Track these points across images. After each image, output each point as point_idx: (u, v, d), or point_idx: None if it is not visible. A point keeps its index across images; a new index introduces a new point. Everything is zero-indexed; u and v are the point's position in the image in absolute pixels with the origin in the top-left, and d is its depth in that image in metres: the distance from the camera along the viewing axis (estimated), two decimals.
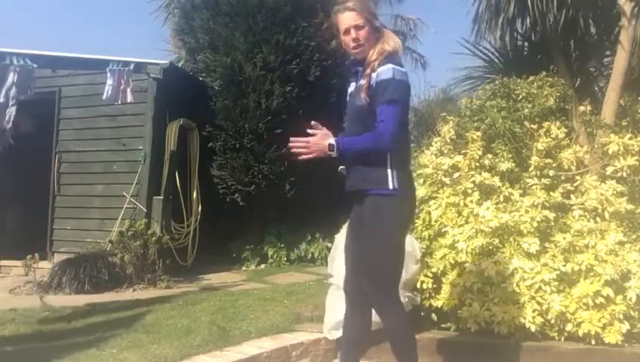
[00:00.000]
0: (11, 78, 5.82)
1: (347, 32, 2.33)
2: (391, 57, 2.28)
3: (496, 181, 3.80)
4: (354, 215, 2.44)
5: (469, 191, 3.82)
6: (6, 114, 5.86)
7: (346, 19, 2.33)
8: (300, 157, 2.26)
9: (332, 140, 2.21)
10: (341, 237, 3.78)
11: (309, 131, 2.30)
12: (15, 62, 5.92)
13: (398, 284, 2.35)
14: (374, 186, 2.27)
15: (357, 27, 2.31)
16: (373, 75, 2.25)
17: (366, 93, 2.27)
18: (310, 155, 2.23)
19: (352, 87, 2.46)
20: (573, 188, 3.83)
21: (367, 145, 2.23)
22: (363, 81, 2.30)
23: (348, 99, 2.49)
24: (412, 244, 3.43)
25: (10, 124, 5.85)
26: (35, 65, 6.05)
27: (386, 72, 2.22)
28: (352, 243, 2.48)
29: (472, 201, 3.75)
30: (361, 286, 2.41)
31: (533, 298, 3.26)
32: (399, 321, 2.35)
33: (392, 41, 2.33)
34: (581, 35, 5.33)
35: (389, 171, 2.25)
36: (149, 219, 6.31)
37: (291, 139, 2.28)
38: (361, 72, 2.36)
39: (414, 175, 4.26)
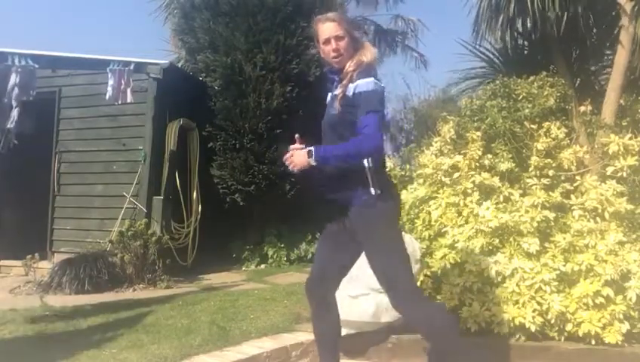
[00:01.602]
0: (14, 79, 5.83)
1: (327, 41, 2.37)
2: (368, 69, 2.32)
3: (496, 181, 3.80)
4: (337, 225, 2.45)
5: (469, 191, 3.82)
6: (10, 116, 5.87)
7: (327, 29, 2.38)
8: (291, 170, 2.29)
9: (310, 148, 2.24)
10: None
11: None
12: (17, 62, 5.92)
13: (412, 280, 2.38)
14: (356, 195, 2.30)
15: (337, 38, 2.35)
16: (351, 85, 2.29)
17: (340, 103, 2.30)
18: (295, 167, 2.26)
19: (328, 98, 2.50)
20: (573, 188, 3.83)
21: (350, 149, 2.23)
22: (338, 91, 2.34)
23: (326, 108, 2.51)
24: (412, 244, 3.43)
25: (14, 125, 5.87)
26: (37, 66, 6.06)
27: (367, 84, 2.25)
28: (331, 251, 2.50)
29: (472, 201, 3.75)
30: (325, 287, 2.50)
31: (533, 298, 3.26)
32: (429, 315, 2.33)
33: (369, 54, 2.38)
34: (581, 35, 5.32)
35: (368, 178, 2.28)
36: (149, 219, 6.31)
37: (285, 157, 2.31)
38: (337, 81, 2.40)
39: (414, 175, 4.27)
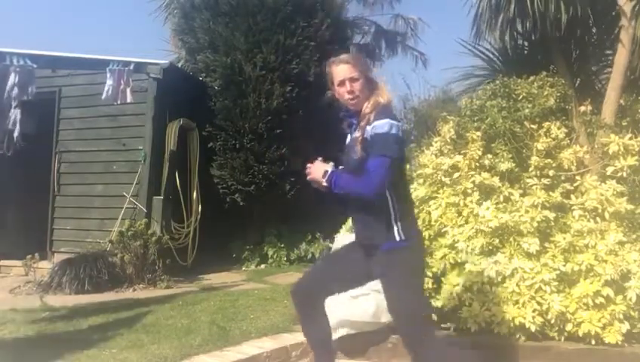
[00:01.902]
0: (12, 78, 5.82)
1: (342, 83, 2.36)
2: (385, 110, 2.30)
3: (496, 181, 3.80)
4: (359, 254, 2.43)
5: (469, 191, 3.82)
6: (10, 116, 5.87)
7: (342, 71, 2.36)
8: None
9: (329, 168, 2.29)
10: (341, 237, 3.79)
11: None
12: (15, 62, 5.92)
13: (426, 324, 2.40)
14: (382, 240, 2.29)
15: (352, 79, 2.34)
16: (368, 127, 2.27)
17: (360, 147, 2.29)
18: (310, 177, 2.35)
19: (347, 139, 2.50)
20: (573, 188, 3.83)
21: (354, 188, 2.27)
22: (358, 134, 2.32)
23: (345, 150, 2.50)
24: None
25: (18, 126, 5.87)
26: (35, 66, 6.06)
27: (382, 125, 2.23)
28: (340, 270, 2.52)
29: (472, 201, 3.75)
30: (315, 295, 2.50)
31: (533, 298, 3.26)
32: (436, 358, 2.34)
33: (385, 95, 2.36)
34: (581, 35, 5.33)
35: (393, 223, 2.27)
36: (149, 219, 6.31)
37: (308, 165, 2.38)
38: (355, 124, 2.39)
39: (414, 175, 4.27)
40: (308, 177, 2.35)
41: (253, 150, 6.98)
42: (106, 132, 6.86)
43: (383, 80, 2.45)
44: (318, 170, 2.31)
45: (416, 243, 2.37)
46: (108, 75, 6.21)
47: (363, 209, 2.34)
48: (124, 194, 6.50)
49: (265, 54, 6.99)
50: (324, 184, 2.27)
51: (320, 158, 2.38)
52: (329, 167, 2.31)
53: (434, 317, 3.53)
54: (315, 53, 7.18)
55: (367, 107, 2.33)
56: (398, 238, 2.26)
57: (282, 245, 7.20)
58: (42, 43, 27.50)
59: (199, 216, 6.86)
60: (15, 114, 5.89)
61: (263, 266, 7.07)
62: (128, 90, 6.19)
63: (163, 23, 10.59)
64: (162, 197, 6.50)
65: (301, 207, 7.00)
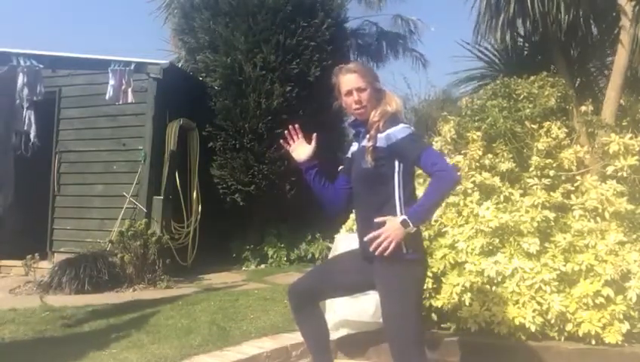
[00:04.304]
0: (21, 79, 5.84)
1: (349, 93, 2.33)
2: (393, 118, 2.27)
3: (496, 181, 3.80)
4: (362, 262, 2.35)
5: (469, 191, 3.82)
6: (24, 117, 5.89)
7: (348, 81, 2.33)
8: (388, 251, 2.12)
9: (402, 218, 2.13)
10: (341, 237, 3.78)
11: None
12: (22, 63, 5.93)
13: (422, 342, 2.30)
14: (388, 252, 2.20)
15: (359, 89, 2.31)
16: (381, 136, 2.23)
17: (372, 156, 2.23)
18: (393, 244, 2.11)
19: (354, 147, 2.45)
20: (573, 188, 3.83)
21: (440, 191, 2.18)
22: (368, 143, 2.27)
23: (349, 156, 2.47)
24: None
25: (33, 127, 5.88)
26: (42, 66, 6.07)
27: (402, 130, 2.21)
28: (340, 276, 2.48)
29: (472, 201, 3.75)
30: (311, 298, 2.48)
31: (533, 298, 3.25)
32: None
33: (393, 103, 2.33)
34: (582, 35, 5.33)
35: None
36: (149, 219, 6.31)
37: (368, 239, 2.17)
38: (363, 133, 2.35)
39: None
40: (391, 247, 2.10)
41: (253, 150, 6.98)
42: (106, 132, 6.86)
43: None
44: (395, 230, 2.11)
45: (422, 259, 2.31)
46: (110, 75, 6.23)
47: (369, 217, 2.25)
48: (124, 194, 6.50)
49: (265, 54, 6.99)
50: (412, 231, 2.12)
51: (379, 219, 2.15)
52: (399, 217, 2.13)
53: (434, 317, 3.54)
54: (315, 53, 7.18)
55: (374, 115, 2.28)
56: (404, 250, 2.18)
57: (282, 245, 7.20)
58: (42, 43, 27.54)
59: (199, 216, 6.86)
60: (29, 115, 5.90)
61: (263, 266, 7.07)
62: (130, 90, 6.21)
63: (163, 23, 10.61)
64: (162, 197, 6.50)
65: (301, 207, 6.99)
